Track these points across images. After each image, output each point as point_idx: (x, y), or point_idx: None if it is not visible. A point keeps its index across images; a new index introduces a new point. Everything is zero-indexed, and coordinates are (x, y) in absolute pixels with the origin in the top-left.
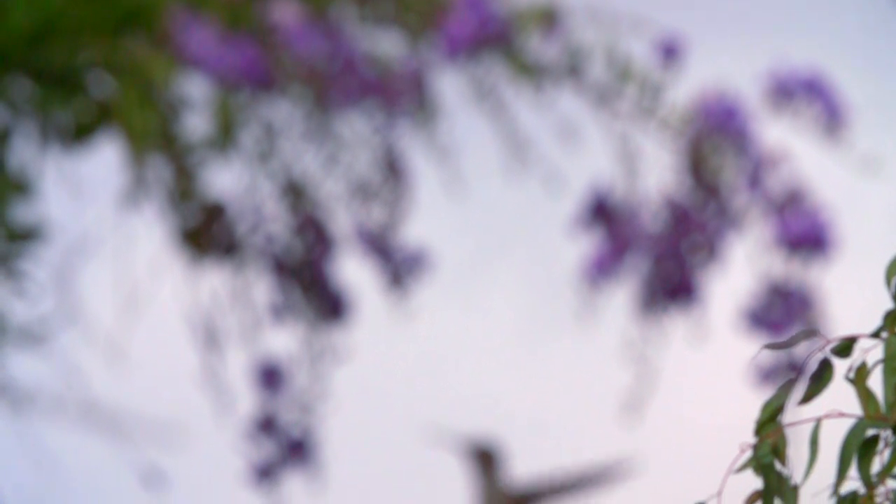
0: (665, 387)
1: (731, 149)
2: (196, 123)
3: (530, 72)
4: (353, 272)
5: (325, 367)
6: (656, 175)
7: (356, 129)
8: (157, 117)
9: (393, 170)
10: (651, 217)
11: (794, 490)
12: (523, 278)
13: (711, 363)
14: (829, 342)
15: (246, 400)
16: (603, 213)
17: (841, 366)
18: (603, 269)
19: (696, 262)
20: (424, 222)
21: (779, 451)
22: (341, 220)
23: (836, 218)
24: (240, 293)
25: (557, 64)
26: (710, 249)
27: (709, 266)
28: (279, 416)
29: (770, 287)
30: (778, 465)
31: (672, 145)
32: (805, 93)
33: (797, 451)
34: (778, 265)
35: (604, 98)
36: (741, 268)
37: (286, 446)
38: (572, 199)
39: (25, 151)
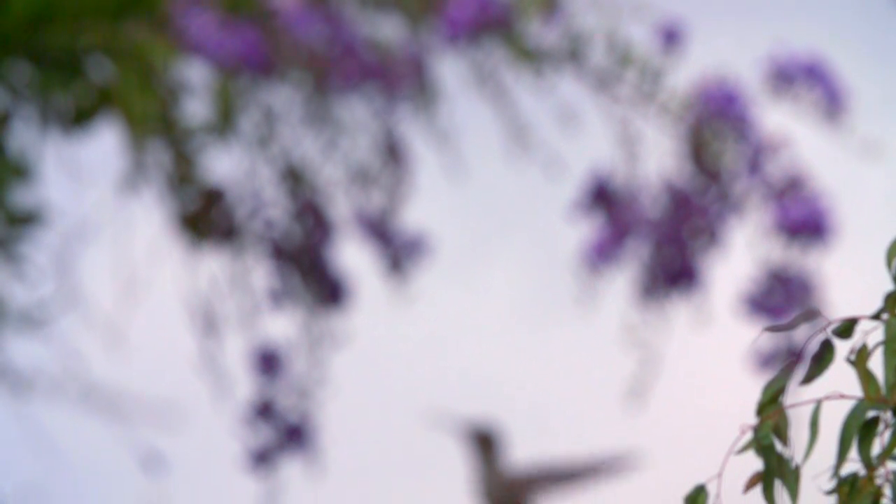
0: (665, 371)
1: (731, 134)
2: (196, 108)
3: (531, 56)
4: (353, 257)
5: (324, 352)
6: (656, 160)
7: (356, 113)
8: (157, 102)
9: (393, 154)
10: (651, 202)
11: (795, 471)
12: (524, 263)
13: (712, 348)
14: (829, 324)
15: (244, 384)
16: (603, 197)
17: (842, 348)
18: (603, 253)
19: (697, 247)
20: (424, 207)
21: (780, 432)
22: (341, 204)
23: (835, 203)
24: (239, 278)
25: (558, 48)
26: (711, 234)
27: (709, 251)
28: (277, 400)
29: (770, 272)
30: (779, 447)
31: (672, 130)
32: (805, 78)
33: (798, 432)
34: (778, 250)
35: (604, 83)
36: (741, 253)
37: (284, 431)
38: (572, 184)
39: (25, 135)
